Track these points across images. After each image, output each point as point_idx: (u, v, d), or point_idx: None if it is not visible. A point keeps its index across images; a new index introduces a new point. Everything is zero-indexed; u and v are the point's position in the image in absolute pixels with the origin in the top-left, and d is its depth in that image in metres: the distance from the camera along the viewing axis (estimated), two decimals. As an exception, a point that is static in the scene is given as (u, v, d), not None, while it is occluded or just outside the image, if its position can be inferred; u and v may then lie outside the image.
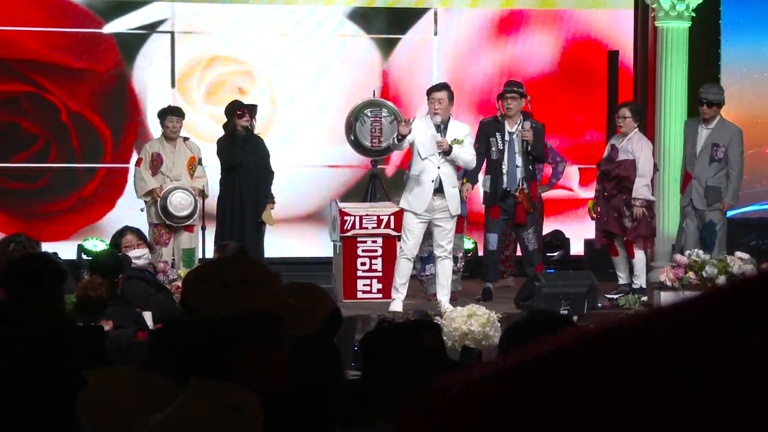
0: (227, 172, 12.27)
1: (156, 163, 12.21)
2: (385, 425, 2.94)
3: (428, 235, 12.03)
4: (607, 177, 12.08)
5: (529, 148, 11.97)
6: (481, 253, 14.17)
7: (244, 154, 12.16)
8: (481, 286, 12.53)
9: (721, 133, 12.17)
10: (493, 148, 12.04)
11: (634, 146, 11.99)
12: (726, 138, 12.16)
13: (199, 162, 12.36)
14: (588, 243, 13.86)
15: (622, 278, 12.20)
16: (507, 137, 12.00)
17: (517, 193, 12.01)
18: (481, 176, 12.26)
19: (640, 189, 11.96)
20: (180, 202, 12.05)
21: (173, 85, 14.72)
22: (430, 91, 11.30)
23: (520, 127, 11.97)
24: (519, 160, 12.01)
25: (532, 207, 12.15)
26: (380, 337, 3.13)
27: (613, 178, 12.03)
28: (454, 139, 11.05)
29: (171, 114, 12.32)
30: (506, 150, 12.01)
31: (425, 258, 12.11)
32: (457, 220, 12.21)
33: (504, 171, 12.02)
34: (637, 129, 12.12)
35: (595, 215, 12.31)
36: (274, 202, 12.43)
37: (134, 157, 14.48)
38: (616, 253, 12.25)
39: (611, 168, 12.03)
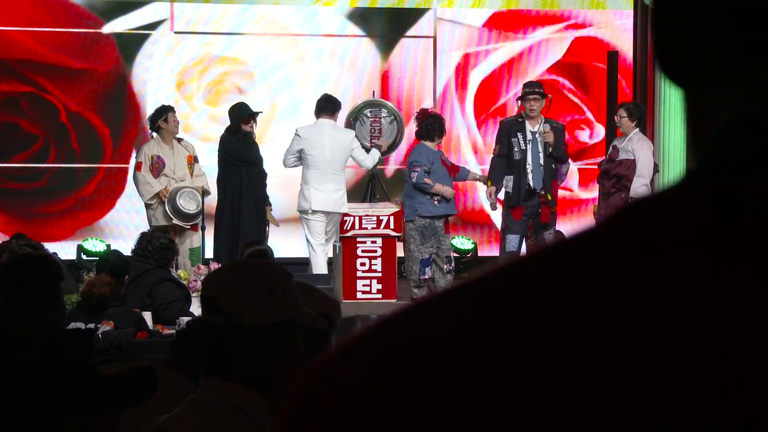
0: (231, 167, 12.20)
1: (157, 166, 12.15)
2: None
3: (430, 237, 12.05)
4: (606, 176, 12.09)
5: (550, 150, 11.99)
6: (481, 253, 14.19)
7: (251, 154, 12.19)
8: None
9: None
10: (516, 149, 12.04)
11: (634, 146, 12.00)
12: None
13: (196, 160, 12.36)
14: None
15: None
16: (530, 136, 12.02)
17: (542, 192, 12.04)
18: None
19: (638, 189, 11.97)
20: (189, 200, 12.06)
21: (173, 86, 14.72)
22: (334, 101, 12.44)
23: (541, 127, 12.00)
24: (542, 160, 12.04)
25: (554, 206, 12.21)
26: None
27: (612, 177, 12.04)
28: None
29: (171, 111, 12.28)
30: (529, 150, 12.03)
31: (425, 260, 12.11)
32: (445, 221, 12.23)
33: (529, 170, 12.02)
34: (637, 130, 12.11)
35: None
36: (270, 205, 12.52)
37: (134, 157, 14.50)
38: None
39: (611, 167, 12.04)
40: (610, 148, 12.30)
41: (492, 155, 12.41)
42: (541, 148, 12.02)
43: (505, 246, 12.30)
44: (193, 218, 12.09)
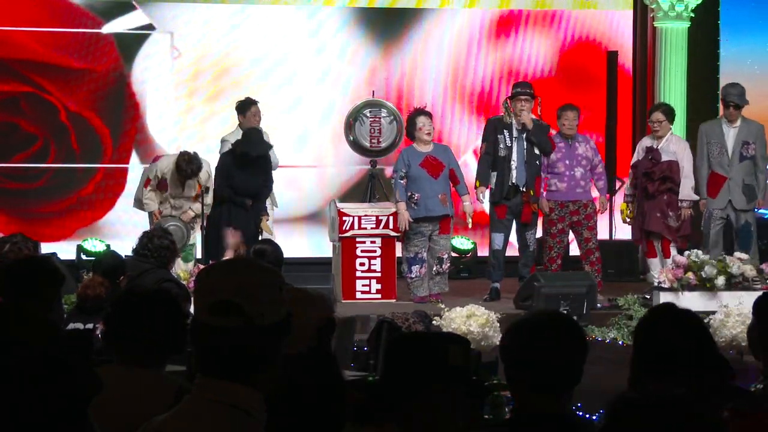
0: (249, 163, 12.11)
1: (161, 187, 12.04)
2: (393, 426, 2.96)
3: (414, 236, 12.06)
4: (650, 178, 12.15)
5: (530, 136, 12.04)
6: (481, 253, 14.18)
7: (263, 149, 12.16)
8: (483, 286, 12.56)
9: (748, 130, 12.35)
10: (501, 145, 12.10)
11: (675, 147, 12.19)
12: (753, 135, 12.32)
13: (206, 190, 11.97)
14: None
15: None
16: (516, 134, 12.08)
17: (524, 189, 12.06)
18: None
19: (687, 190, 12.14)
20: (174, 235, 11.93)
21: (172, 85, 14.71)
22: (251, 105, 12.52)
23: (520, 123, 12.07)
24: (527, 157, 12.08)
25: (536, 204, 12.20)
26: (405, 345, 3.14)
27: (657, 179, 12.13)
28: None
29: (189, 176, 11.84)
30: (515, 147, 12.07)
31: (411, 259, 12.12)
32: (441, 222, 12.20)
33: (513, 167, 12.08)
34: (671, 130, 12.31)
35: (628, 218, 12.42)
36: (267, 214, 12.28)
37: (134, 157, 14.51)
38: (654, 254, 12.33)
39: (657, 169, 12.12)
40: (643, 149, 12.30)
41: (480, 154, 12.44)
42: (526, 146, 12.08)
43: (491, 245, 12.35)
44: None
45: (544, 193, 12.30)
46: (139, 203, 12.31)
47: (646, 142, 12.45)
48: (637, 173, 12.32)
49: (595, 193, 12.66)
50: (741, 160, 12.30)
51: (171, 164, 11.97)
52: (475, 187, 12.27)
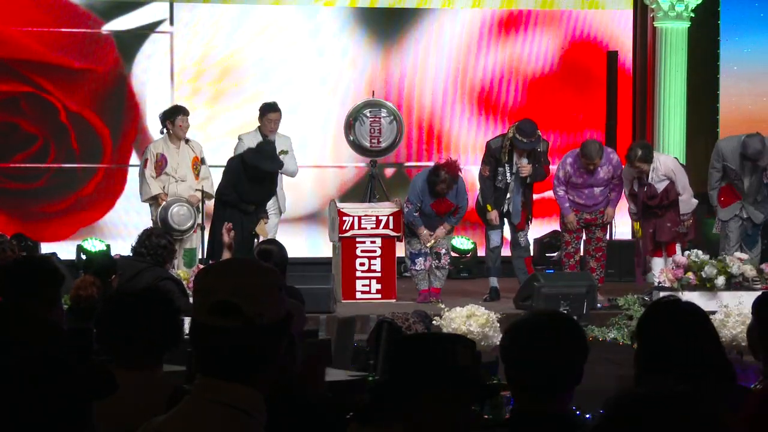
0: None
1: (160, 164, 12.12)
2: (399, 425, 2.96)
3: (412, 235, 12.10)
4: (658, 206, 12.19)
5: (528, 180, 12.18)
6: (480, 253, 14.20)
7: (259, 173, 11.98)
8: (483, 286, 12.58)
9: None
10: (500, 177, 12.16)
11: (665, 170, 12.16)
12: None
13: (202, 161, 12.27)
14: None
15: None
16: (514, 169, 12.10)
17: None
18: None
19: (688, 204, 12.16)
20: (180, 217, 11.96)
21: (172, 86, 14.72)
22: (269, 111, 12.39)
23: (519, 162, 12.09)
24: (523, 193, 12.21)
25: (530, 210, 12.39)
26: (412, 346, 3.14)
27: (663, 206, 12.18)
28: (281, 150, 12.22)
29: (182, 113, 12.21)
30: (512, 183, 12.13)
31: (414, 254, 12.15)
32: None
33: (509, 204, 12.20)
34: (654, 154, 12.28)
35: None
36: (267, 217, 12.18)
37: (134, 157, 14.51)
38: (659, 254, 12.36)
39: (660, 202, 12.14)
40: (633, 182, 12.24)
41: (479, 175, 12.39)
42: (521, 182, 12.19)
43: (489, 243, 12.41)
44: (181, 234, 12.01)
45: (566, 204, 12.31)
46: (144, 188, 12.29)
47: (634, 172, 12.28)
48: (638, 201, 12.31)
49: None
50: (758, 185, 12.32)
51: (162, 140, 12.23)
52: (488, 210, 12.27)
